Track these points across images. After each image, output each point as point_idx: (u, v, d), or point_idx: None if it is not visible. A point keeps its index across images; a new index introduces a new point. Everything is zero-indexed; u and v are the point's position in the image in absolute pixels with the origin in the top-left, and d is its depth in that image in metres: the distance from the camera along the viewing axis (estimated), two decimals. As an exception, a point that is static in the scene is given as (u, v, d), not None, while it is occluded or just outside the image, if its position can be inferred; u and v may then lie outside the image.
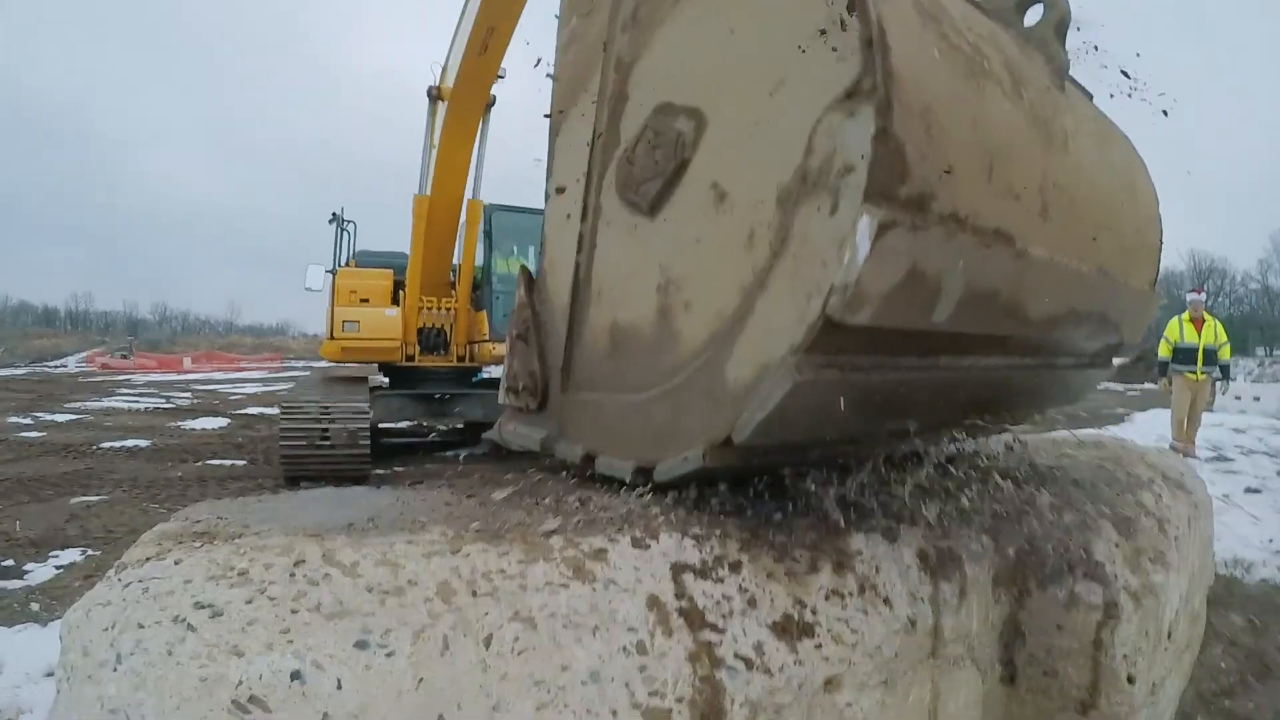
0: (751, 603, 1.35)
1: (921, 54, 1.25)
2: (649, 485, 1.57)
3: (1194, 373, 10.03)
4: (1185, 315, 10.27)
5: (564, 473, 1.98)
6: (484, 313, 9.44)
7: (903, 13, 1.25)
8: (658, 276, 1.56)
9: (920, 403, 1.67)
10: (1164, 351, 10.24)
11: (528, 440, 1.97)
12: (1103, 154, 1.83)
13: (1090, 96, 2.02)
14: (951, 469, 2.21)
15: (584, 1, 1.86)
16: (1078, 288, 1.73)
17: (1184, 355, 10.11)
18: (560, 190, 1.89)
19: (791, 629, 1.35)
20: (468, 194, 9.02)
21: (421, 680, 1.04)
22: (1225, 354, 10.38)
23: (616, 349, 1.69)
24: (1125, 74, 2.03)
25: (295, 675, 0.99)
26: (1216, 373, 10.33)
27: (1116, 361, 2.27)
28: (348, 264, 10.85)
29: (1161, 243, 2.19)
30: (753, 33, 1.37)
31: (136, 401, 18.27)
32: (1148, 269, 2.11)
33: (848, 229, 1.16)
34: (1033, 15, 1.77)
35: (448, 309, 9.34)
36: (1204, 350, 10.00)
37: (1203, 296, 10.67)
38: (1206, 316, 10.24)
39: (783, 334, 1.27)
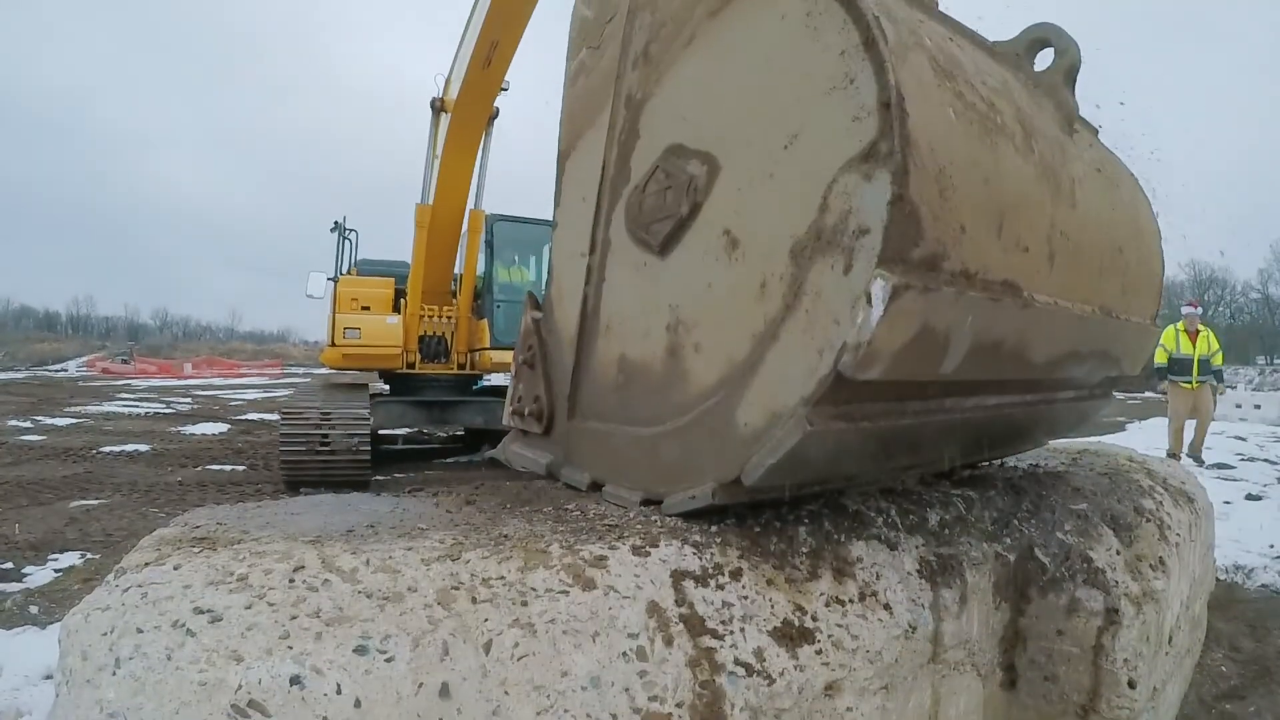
0: (752, 609, 1.35)
1: (938, 116, 1.25)
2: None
3: (1189, 382, 10.12)
4: (1180, 325, 10.38)
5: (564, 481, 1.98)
6: (485, 321, 9.45)
7: (920, 74, 1.25)
8: (667, 316, 1.57)
9: (926, 443, 1.68)
10: (1160, 358, 10.34)
11: (533, 463, 1.98)
12: (1108, 196, 1.85)
13: (1096, 132, 2.03)
14: (952, 477, 2.21)
15: (594, 34, 1.86)
16: (1080, 329, 1.75)
17: (1179, 366, 10.22)
18: (568, 222, 1.90)
19: (792, 635, 1.35)
20: (470, 204, 9.06)
21: (421, 686, 1.04)
22: (1218, 360, 10.51)
23: (625, 382, 1.70)
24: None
25: (294, 680, 0.99)
26: (1212, 380, 10.45)
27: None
28: (349, 272, 10.88)
29: (1163, 277, 2.21)
30: (767, 82, 1.36)
31: (137, 406, 18.28)
32: (1149, 304, 2.13)
33: (861, 290, 1.17)
34: (1043, 59, 1.77)
35: (449, 317, 9.37)
36: (1198, 360, 10.11)
37: (1198, 310, 10.81)
38: (1201, 327, 10.36)
39: (794, 385, 1.28)
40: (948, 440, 1.75)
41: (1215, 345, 10.41)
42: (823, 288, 1.25)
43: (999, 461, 2.55)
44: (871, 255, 1.17)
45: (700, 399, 1.48)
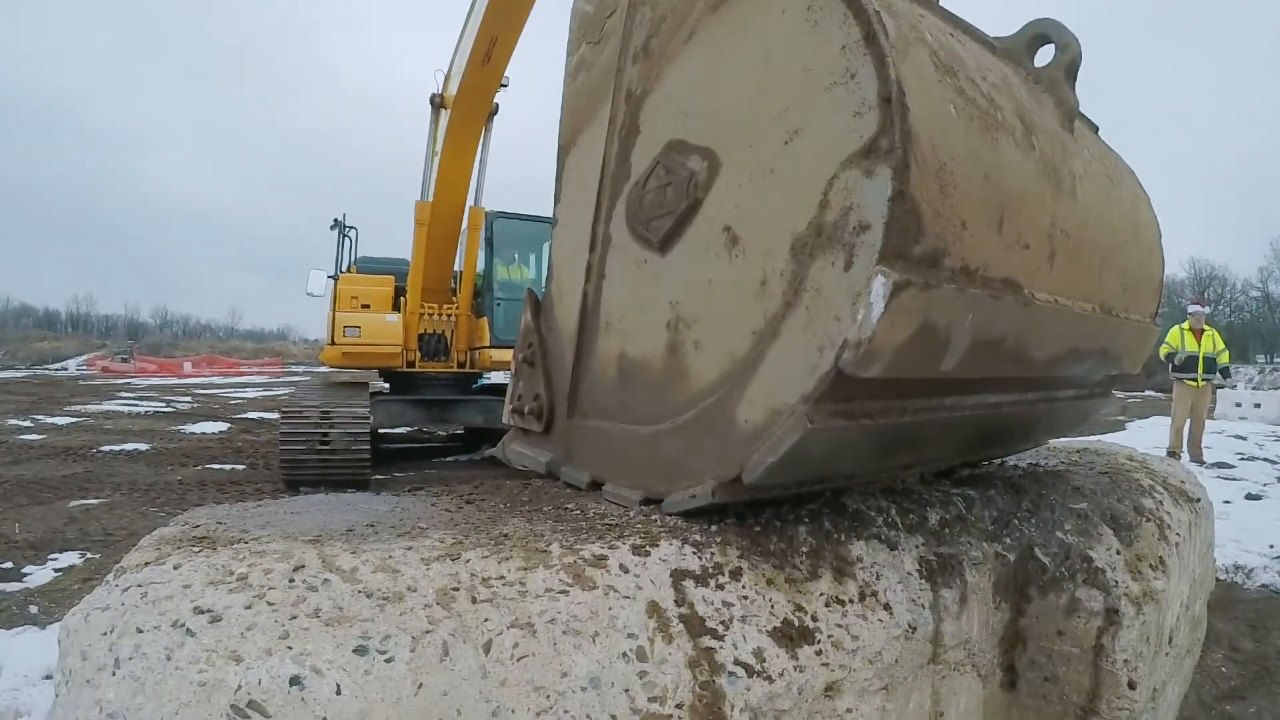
0: (751, 609, 1.35)
1: (939, 112, 1.24)
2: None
3: (1194, 380, 10.16)
4: (1186, 325, 10.44)
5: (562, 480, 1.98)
6: (485, 319, 9.46)
7: (921, 69, 1.24)
8: (668, 313, 1.56)
9: (926, 441, 1.67)
10: (1164, 352, 10.44)
11: (532, 462, 1.97)
12: (1108, 193, 1.84)
13: (1096, 129, 2.03)
14: (952, 476, 2.21)
15: (594, 29, 1.85)
16: (1081, 327, 1.74)
17: (1184, 363, 10.24)
18: (568, 219, 1.89)
19: (792, 635, 1.35)
20: (470, 201, 9.06)
21: (421, 686, 1.04)
22: (1224, 359, 10.59)
23: (624, 380, 1.69)
24: None
25: (294, 680, 0.99)
26: (1217, 379, 10.52)
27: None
28: (349, 270, 10.88)
29: (1163, 275, 2.21)
30: (768, 77, 1.35)
31: (136, 405, 18.29)
32: (1149, 302, 2.12)
33: (862, 286, 1.17)
34: (1044, 55, 1.76)
35: (449, 315, 9.37)
36: (1203, 359, 10.16)
37: (1205, 309, 10.89)
38: (1205, 326, 10.42)
39: (794, 382, 1.27)
40: (949, 438, 1.75)
41: (1221, 344, 10.50)
42: (823, 284, 1.24)
43: (999, 461, 2.55)
44: (872, 252, 1.17)
45: (700, 397, 1.48)
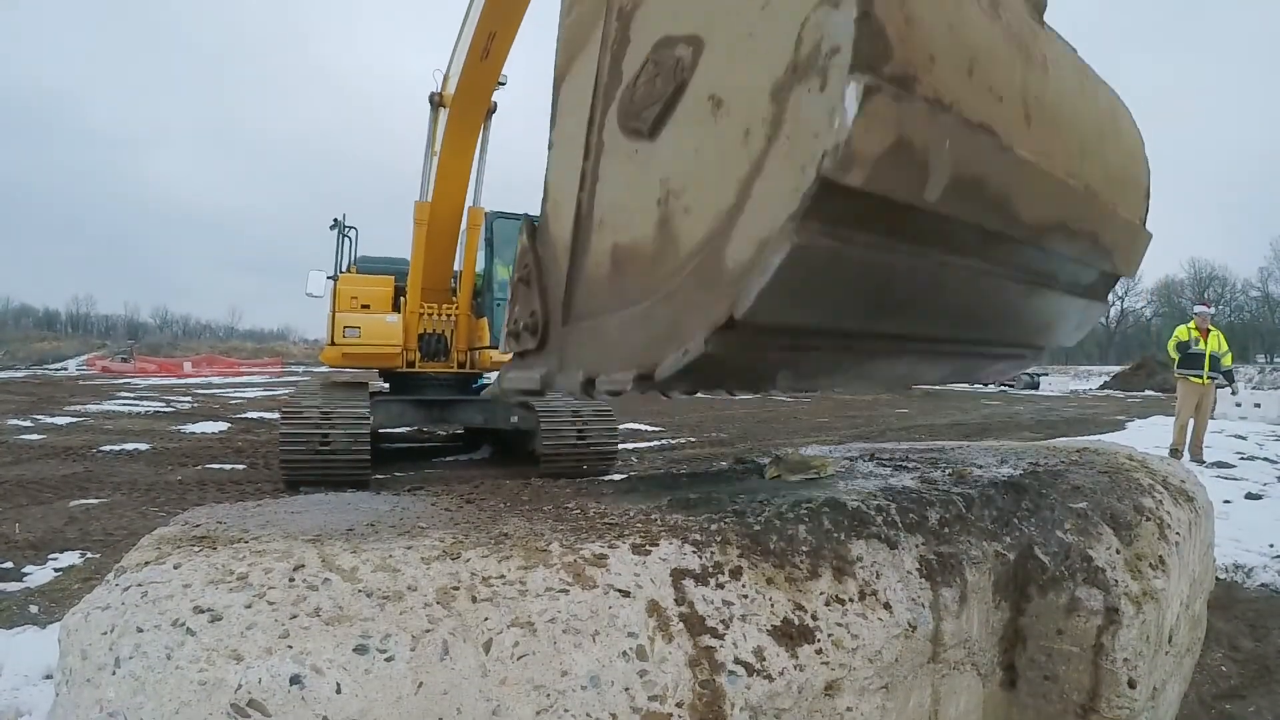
0: (751, 608, 1.35)
1: None
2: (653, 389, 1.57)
3: (1199, 376, 10.27)
4: (1192, 324, 10.64)
5: (563, 480, 1.99)
6: (485, 319, 9.45)
7: None
8: (658, 191, 1.60)
9: (916, 300, 1.66)
10: (1170, 348, 10.66)
11: (527, 381, 1.99)
12: (1083, 85, 1.87)
13: (1075, 51, 2.03)
14: (952, 475, 2.21)
15: None
16: (1066, 200, 1.76)
17: (1192, 360, 10.37)
18: (563, 139, 1.93)
19: (792, 634, 1.35)
20: (469, 201, 9.05)
21: (421, 685, 1.04)
22: (1227, 361, 10.73)
23: (617, 270, 1.72)
24: None
25: (294, 679, 0.99)
26: (1220, 379, 10.67)
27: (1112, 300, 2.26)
28: (349, 270, 10.88)
29: (1149, 184, 2.20)
30: None
31: (136, 405, 18.27)
32: (1137, 204, 2.13)
33: (837, 100, 1.23)
34: None
35: (449, 315, 9.37)
36: (1209, 356, 10.31)
37: (1211, 310, 11.07)
38: (1210, 327, 10.62)
39: (780, 207, 1.31)
40: (939, 302, 1.73)
41: (1225, 346, 10.68)
42: (801, 110, 1.29)
43: (998, 460, 2.55)
44: (843, 67, 1.23)
45: (691, 258, 1.50)
